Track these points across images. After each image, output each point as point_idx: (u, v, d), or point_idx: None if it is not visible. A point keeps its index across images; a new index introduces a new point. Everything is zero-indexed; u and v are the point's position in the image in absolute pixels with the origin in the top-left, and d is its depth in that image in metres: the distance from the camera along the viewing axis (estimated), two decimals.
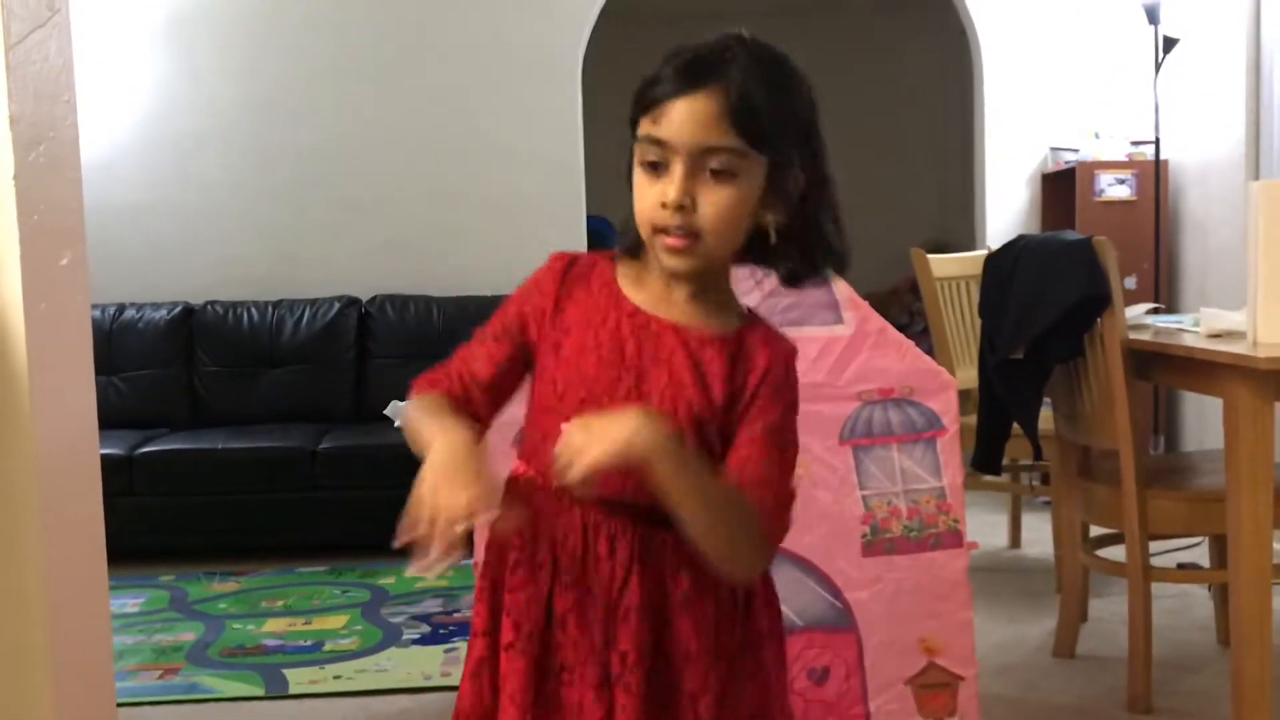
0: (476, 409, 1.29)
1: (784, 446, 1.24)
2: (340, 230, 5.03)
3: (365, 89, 5.02)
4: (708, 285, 1.25)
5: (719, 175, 1.18)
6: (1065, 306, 2.64)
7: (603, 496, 1.21)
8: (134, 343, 4.70)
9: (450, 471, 1.12)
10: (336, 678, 3.04)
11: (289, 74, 5.00)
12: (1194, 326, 2.81)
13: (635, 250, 1.28)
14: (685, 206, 1.17)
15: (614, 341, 1.24)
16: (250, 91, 5.00)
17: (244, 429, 4.50)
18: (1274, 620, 2.47)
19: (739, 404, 1.23)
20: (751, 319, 1.28)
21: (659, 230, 1.20)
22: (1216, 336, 2.58)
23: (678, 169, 1.18)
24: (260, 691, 2.96)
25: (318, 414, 4.68)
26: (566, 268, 1.30)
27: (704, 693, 1.22)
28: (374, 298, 4.89)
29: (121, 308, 4.78)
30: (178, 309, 4.79)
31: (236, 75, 5.00)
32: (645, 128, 1.20)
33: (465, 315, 4.78)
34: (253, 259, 5.00)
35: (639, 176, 1.21)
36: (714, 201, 1.18)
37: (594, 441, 1.10)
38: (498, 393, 1.31)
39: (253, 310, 4.81)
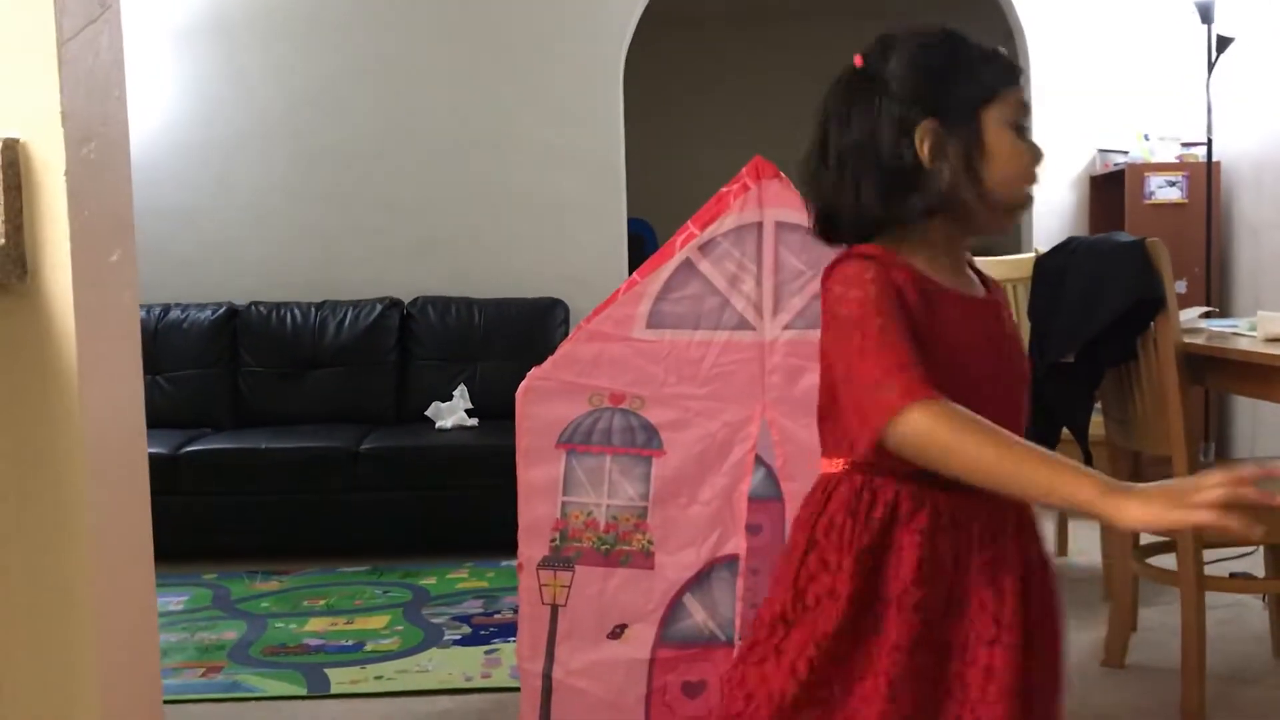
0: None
1: None
2: (382, 232, 5.04)
3: (407, 90, 5.04)
4: None
5: None
6: (1118, 310, 2.59)
7: None
8: (179, 343, 4.74)
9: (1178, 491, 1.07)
10: (378, 678, 3.04)
11: (331, 77, 5.03)
12: (1250, 330, 2.75)
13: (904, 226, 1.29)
14: None
15: (965, 325, 1.29)
16: (293, 93, 5.03)
17: (287, 429, 4.52)
18: None
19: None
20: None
21: (1028, 184, 1.33)
22: (1275, 340, 2.53)
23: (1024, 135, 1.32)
24: (302, 691, 2.96)
25: (359, 415, 4.69)
26: (902, 280, 1.26)
27: None
28: (416, 299, 4.90)
29: (166, 308, 4.82)
30: (222, 310, 4.83)
31: (279, 77, 5.03)
32: (1019, 95, 1.33)
33: (506, 317, 4.79)
34: (296, 260, 5.03)
35: (1010, 138, 1.30)
36: None
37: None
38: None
39: (296, 311, 4.83)
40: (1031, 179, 1.33)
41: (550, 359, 1.98)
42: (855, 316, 1.22)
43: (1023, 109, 1.32)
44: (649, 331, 1.97)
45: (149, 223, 4.79)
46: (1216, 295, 4.57)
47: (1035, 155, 1.32)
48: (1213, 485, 1.03)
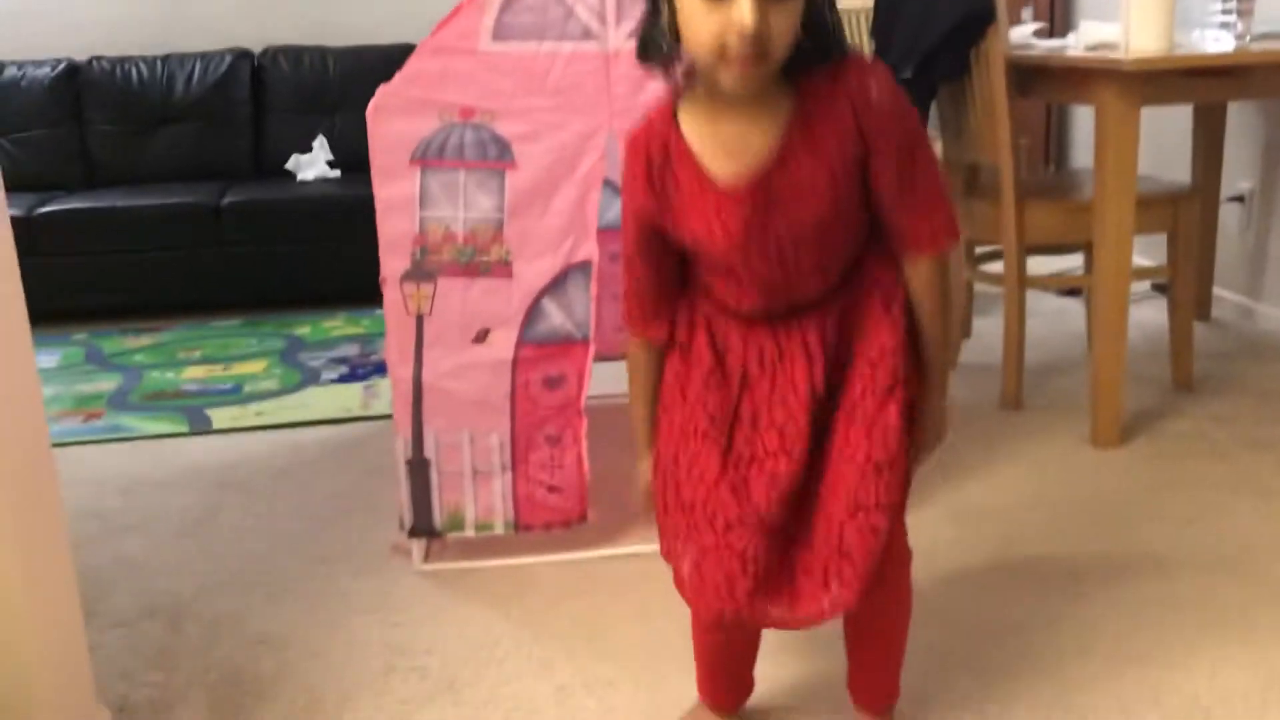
0: (674, 306, 1.46)
1: (920, 154, 1.31)
2: None
3: None
4: (767, 83, 1.25)
5: None
6: (950, 24, 2.70)
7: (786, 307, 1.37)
8: (18, 102, 4.54)
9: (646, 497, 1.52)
10: (259, 414, 3.15)
11: None
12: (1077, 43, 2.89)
13: (654, 61, 1.28)
14: (762, 34, 1.16)
15: (712, 211, 1.30)
16: None
17: (143, 187, 4.43)
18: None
19: (858, 146, 1.28)
20: (806, 79, 1.27)
21: (724, 56, 1.19)
22: (1094, 48, 2.67)
23: None
24: (185, 429, 3.06)
25: (216, 171, 4.62)
26: (643, 148, 1.33)
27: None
28: (266, 49, 4.74)
29: (0, 66, 4.59)
30: (61, 66, 4.61)
31: None
32: None
33: (363, 65, 4.67)
34: (135, 11, 4.78)
35: (694, 5, 1.18)
36: (783, 20, 1.18)
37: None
38: (676, 281, 1.45)
39: (141, 66, 4.64)
40: (718, 54, 1.18)
41: (398, 75, 1.99)
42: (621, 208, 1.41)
43: None
44: (495, 44, 2.00)
45: None
46: (1061, 20, 4.71)
47: (722, 32, 1.16)
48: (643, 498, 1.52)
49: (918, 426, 1.42)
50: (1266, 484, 2.41)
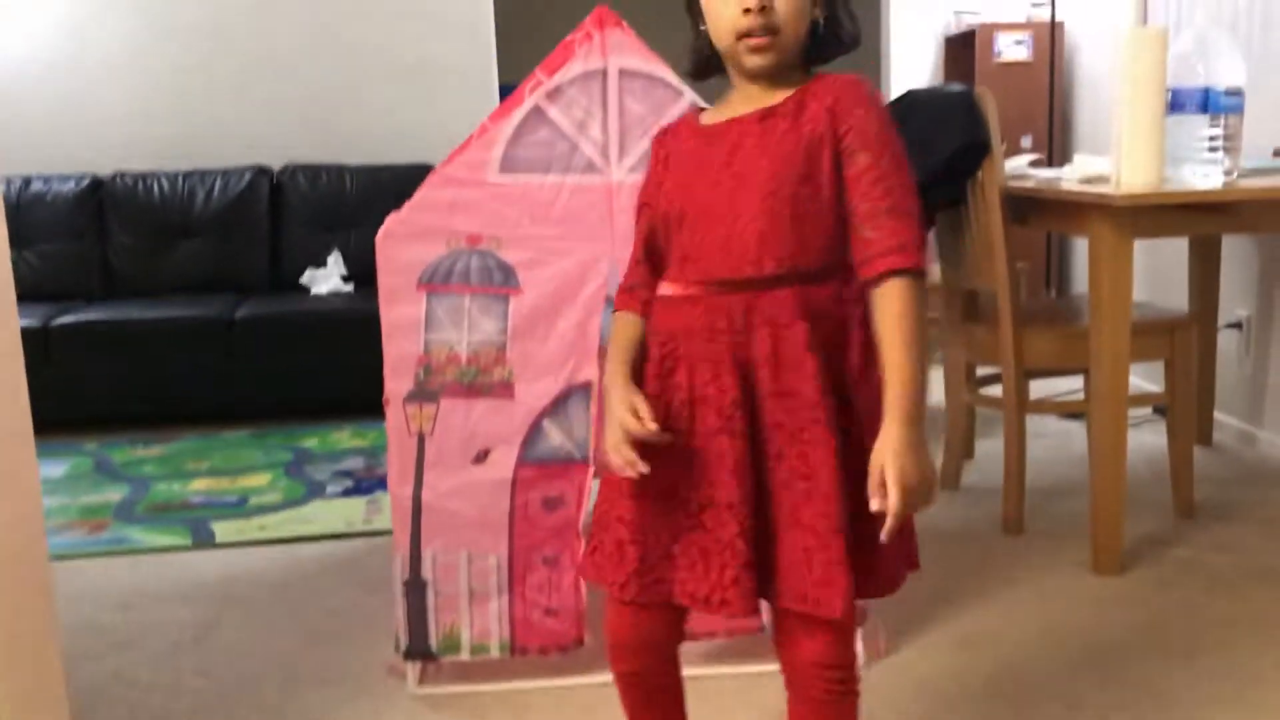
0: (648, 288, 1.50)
1: (900, 170, 1.34)
2: (248, 98, 4.98)
3: None
4: (782, 79, 1.40)
5: None
6: (947, 154, 2.77)
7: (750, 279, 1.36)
8: (43, 215, 4.66)
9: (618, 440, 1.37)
10: (261, 528, 3.16)
11: None
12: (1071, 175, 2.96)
13: (703, 74, 1.49)
14: (766, 7, 1.33)
15: (693, 158, 1.43)
16: None
17: (160, 300, 4.52)
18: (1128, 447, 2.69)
19: (831, 137, 1.35)
20: (820, 74, 1.42)
21: (742, 36, 1.36)
22: (1089, 180, 2.74)
23: None
24: (187, 542, 3.07)
25: (233, 284, 4.71)
26: (661, 133, 1.52)
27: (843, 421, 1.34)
28: (285, 167, 4.88)
29: (28, 180, 4.72)
30: (86, 181, 4.74)
31: None
32: None
33: (379, 184, 4.80)
34: (159, 129, 4.94)
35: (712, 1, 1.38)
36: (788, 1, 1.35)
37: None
38: (655, 264, 1.51)
39: (162, 181, 4.78)
40: (735, 33, 1.36)
41: (407, 204, 2.06)
42: None
43: None
44: (502, 176, 2.07)
45: (3, 89, 4.66)
46: (1059, 149, 4.82)
47: (743, 6, 1.34)
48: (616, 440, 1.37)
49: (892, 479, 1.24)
50: (1268, 616, 2.39)
